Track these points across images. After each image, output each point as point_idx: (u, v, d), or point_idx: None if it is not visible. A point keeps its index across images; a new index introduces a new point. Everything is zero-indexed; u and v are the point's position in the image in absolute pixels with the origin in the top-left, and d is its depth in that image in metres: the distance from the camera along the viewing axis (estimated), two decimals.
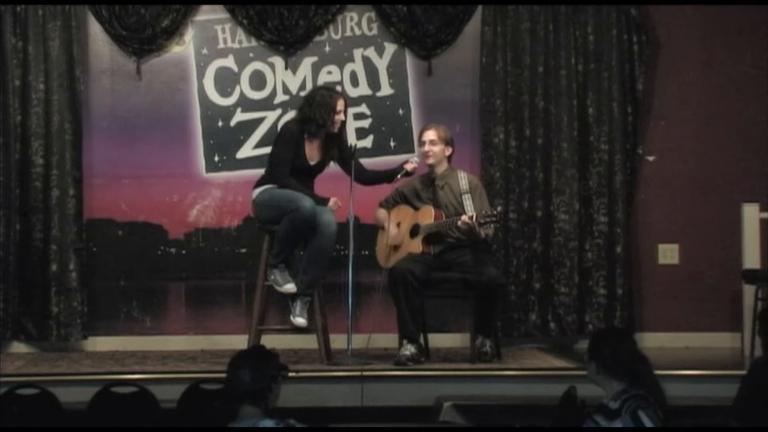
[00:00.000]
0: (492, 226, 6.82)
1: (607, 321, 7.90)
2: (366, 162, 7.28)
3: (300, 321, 6.75)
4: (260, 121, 8.00)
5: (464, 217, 6.69)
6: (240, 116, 8.00)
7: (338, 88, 7.54)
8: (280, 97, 8.01)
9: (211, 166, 8.00)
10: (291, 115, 7.51)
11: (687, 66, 8.14)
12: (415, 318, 6.77)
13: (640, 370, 3.99)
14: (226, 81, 8.00)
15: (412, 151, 7.74)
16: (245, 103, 8.00)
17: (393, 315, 6.87)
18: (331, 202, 6.75)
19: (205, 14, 7.99)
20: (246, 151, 7.98)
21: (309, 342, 7.09)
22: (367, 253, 7.48)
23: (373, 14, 8.03)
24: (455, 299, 7.17)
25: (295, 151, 6.76)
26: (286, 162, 6.75)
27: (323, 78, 7.98)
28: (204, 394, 5.39)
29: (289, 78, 8.01)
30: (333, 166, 6.98)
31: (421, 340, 6.94)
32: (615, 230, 7.96)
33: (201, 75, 7.98)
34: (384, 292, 6.99)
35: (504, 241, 7.90)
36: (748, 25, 8.11)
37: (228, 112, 7.99)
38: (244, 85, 8.01)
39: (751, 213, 7.80)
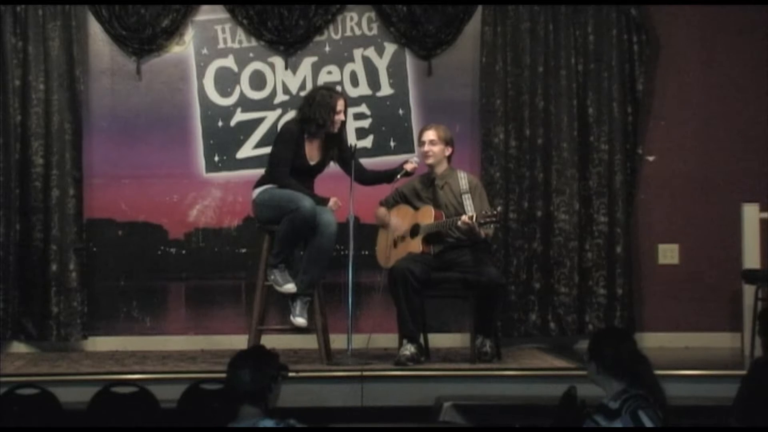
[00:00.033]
0: (492, 226, 6.82)
1: (607, 321, 7.90)
2: (366, 162, 7.28)
3: (300, 321, 6.75)
4: (260, 121, 8.00)
5: (464, 217, 6.69)
6: (240, 116, 8.00)
7: (338, 88, 7.54)
8: (280, 97, 8.01)
9: (211, 166, 8.00)
10: (291, 115, 7.51)
11: (687, 66, 8.14)
12: (415, 318, 6.77)
13: (640, 370, 3.99)
14: (226, 81, 8.00)
15: (412, 151, 7.74)
16: (245, 103, 8.00)
17: (393, 315, 6.87)
18: (331, 202, 6.75)
19: (205, 14, 7.99)
20: (246, 151, 7.98)
21: (309, 342, 7.09)
22: (367, 253, 7.48)
23: (373, 14, 8.03)
24: (455, 299, 7.17)
25: (295, 151, 6.76)
26: (286, 162, 6.75)
27: (323, 78, 7.98)
28: (204, 394, 5.39)
29: (289, 78, 8.01)
30: (333, 166, 6.98)
31: (421, 340, 6.94)
32: (615, 230, 7.96)
33: (201, 75, 7.98)
34: (384, 292, 6.99)
35: (504, 241, 7.90)
36: (748, 25, 8.11)
37: (228, 112, 7.99)
38: (244, 85, 8.01)
39: (751, 213, 7.80)
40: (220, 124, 8.00)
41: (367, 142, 7.95)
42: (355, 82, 8.03)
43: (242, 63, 8.01)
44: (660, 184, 8.12)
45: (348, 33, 8.05)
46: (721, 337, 7.98)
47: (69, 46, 7.77)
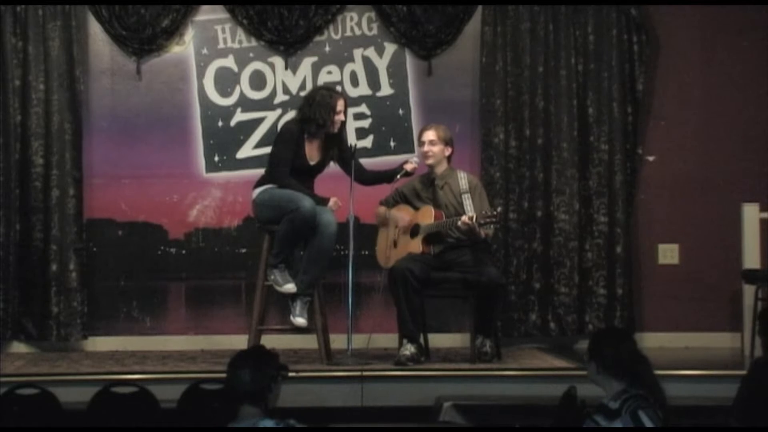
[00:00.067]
0: (492, 226, 6.82)
1: (607, 321, 7.90)
2: (366, 162, 7.28)
3: (300, 321, 6.75)
4: (260, 121, 8.00)
5: (464, 218, 6.69)
6: (240, 116, 8.00)
7: (338, 88, 7.54)
8: (280, 97, 8.01)
9: (211, 166, 8.00)
10: (291, 115, 7.51)
11: (687, 66, 8.14)
12: (415, 318, 6.77)
13: (640, 370, 3.99)
14: (226, 81, 8.00)
15: (412, 151, 7.74)
16: (245, 103, 8.00)
17: (393, 315, 6.87)
18: (331, 202, 6.75)
19: (205, 14, 7.99)
20: (246, 151, 7.98)
21: (309, 342, 7.09)
22: (367, 253, 7.48)
23: (373, 14, 8.03)
24: (455, 299, 7.16)
25: (295, 151, 6.76)
26: (286, 162, 6.75)
27: (323, 78, 7.98)
28: (204, 394, 5.39)
29: (289, 78, 8.01)
30: (333, 166, 6.98)
31: (421, 340, 6.94)
32: (615, 230, 7.96)
33: (201, 75, 7.98)
34: (384, 292, 6.99)
35: (504, 241, 7.90)
36: (748, 25, 8.11)
37: (228, 112, 7.99)
38: (244, 85, 8.01)
39: (751, 213, 7.80)
40: (220, 124, 7.99)
41: (367, 142, 7.95)
42: (355, 82, 8.03)
43: (242, 63, 8.00)
44: (660, 184, 8.12)
45: (348, 33, 8.05)
46: (721, 337, 7.98)
47: (69, 46, 7.77)
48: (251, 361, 3.98)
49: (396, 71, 8.04)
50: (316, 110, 6.73)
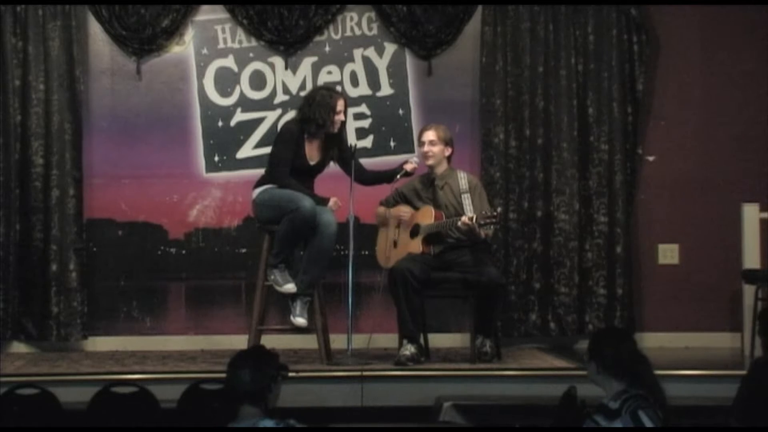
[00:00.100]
0: (492, 226, 6.82)
1: (607, 321, 7.90)
2: (366, 162, 7.28)
3: (300, 321, 6.75)
4: (260, 121, 8.00)
5: (464, 218, 6.69)
6: (240, 116, 8.00)
7: (338, 88, 7.54)
8: (280, 97, 8.01)
9: (211, 166, 8.00)
10: (291, 115, 7.51)
11: (687, 66, 8.14)
12: (415, 318, 6.77)
13: (640, 370, 3.98)
14: (226, 81, 7.99)
15: (412, 151, 7.74)
16: (245, 103, 8.00)
17: (393, 315, 6.87)
18: (331, 202, 6.75)
19: (205, 14, 7.99)
20: (246, 151, 7.98)
21: (309, 342, 7.09)
22: (367, 253, 7.48)
23: (373, 14, 8.03)
24: (455, 299, 7.16)
25: (295, 151, 6.76)
26: (286, 162, 6.75)
27: (323, 78, 7.97)
28: (204, 394, 5.39)
29: (289, 78, 8.01)
30: (333, 166, 6.98)
31: (421, 340, 6.94)
32: (615, 230, 7.96)
33: (201, 75, 7.98)
34: (384, 292, 6.99)
35: (504, 241, 7.90)
36: (748, 25, 8.11)
37: (228, 112, 7.99)
38: (244, 85, 8.01)
39: (751, 213, 7.80)
40: (220, 124, 7.99)
41: (367, 142, 7.95)
42: (355, 82, 8.03)
43: (242, 63, 8.00)
44: (660, 184, 8.12)
45: (348, 33, 8.04)
46: (721, 337, 7.98)
47: (69, 46, 7.77)
48: (251, 361, 3.98)
49: (396, 71, 8.04)
50: (316, 110, 6.73)
